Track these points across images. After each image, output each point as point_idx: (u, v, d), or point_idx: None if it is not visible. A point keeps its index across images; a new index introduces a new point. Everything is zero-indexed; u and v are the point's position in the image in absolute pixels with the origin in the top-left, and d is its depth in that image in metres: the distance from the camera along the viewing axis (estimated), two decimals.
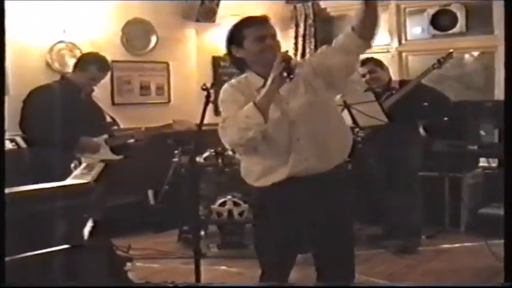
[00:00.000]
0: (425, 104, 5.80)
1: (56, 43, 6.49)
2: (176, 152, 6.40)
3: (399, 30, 7.63)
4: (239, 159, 5.92)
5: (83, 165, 3.65)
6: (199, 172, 5.97)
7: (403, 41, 7.72)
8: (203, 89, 3.83)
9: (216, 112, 6.29)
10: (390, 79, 6.03)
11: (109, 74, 5.77)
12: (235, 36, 3.22)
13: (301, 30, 8.07)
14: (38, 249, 2.66)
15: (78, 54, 6.38)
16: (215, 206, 5.90)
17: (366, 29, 3.06)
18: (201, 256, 4.44)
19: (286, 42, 7.94)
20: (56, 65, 6.46)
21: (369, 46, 3.18)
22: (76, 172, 3.49)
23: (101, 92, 5.62)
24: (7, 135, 5.03)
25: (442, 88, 6.15)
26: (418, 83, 5.78)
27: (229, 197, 5.90)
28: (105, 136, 5.33)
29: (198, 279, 3.93)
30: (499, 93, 7.02)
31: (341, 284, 3.27)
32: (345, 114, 5.59)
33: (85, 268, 2.94)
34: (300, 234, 3.30)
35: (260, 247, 3.40)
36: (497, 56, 7.07)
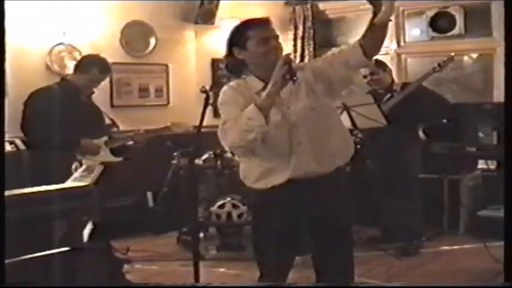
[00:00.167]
0: (426, 107, 5.80)
1: (55, 45, 6.50)
2: (175, 154, 6.40)
3: (398, 33, 7.64)
4: (238, 162, 5.96)
5: (83, 167, 3.65)
6: (198, 174, 5.97)
7: (402, 43, 7.73)
8: (202, 92, 3.83)
9: (215, 114, 6.32)
10: (393, 81, 6.03)
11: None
12: (238, 38, 3.21)
13: (300, 32, 8.08)
14: (37, 252, 2.67)
15: (77, 56, 6.40)
16: (214, 208, 5.90)
17: (372, 46, 3.04)
18: (200, 258, 4.45)
19: (285, 45, 7.93)
20: (56, 67, 6.47)
21: (371, 63, 3.19)
22: (76, 174, 3.50)
23: (100, 94, 5.62)
24: (6, 137, 5.02)
25: (441, 90, 6.17)
26: (418, 86, 5.79)
27: (229, 199, 5.90)
28: (105, 138, 5.33)
29: (197, 281, 3.93)
30: (498, 95, 7.04)
31: (341, 284, 3.27)
32: (344, 116, 5.59)
33: (84, 270, 2.95)
34: (299, 236, 3.30)
35: (258, 249, 3.40)
36: (496, 58, 7.08)
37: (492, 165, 6.35)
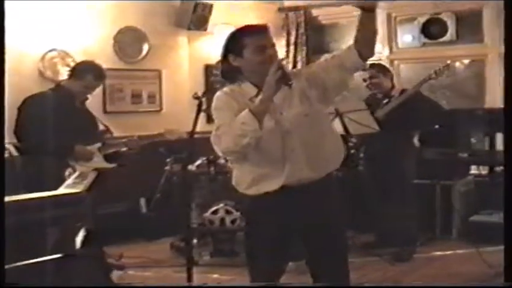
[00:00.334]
0: (422, 113, 5.81)
1: (48, 51, 6.49)
2: (168, 160, 6.40)
3: (390, 39, 7.67)
4: (231, 168, 5.96)
5: (76, 174, 3.65)
6: (192, 180, 5.97)
7: (394, 49, 7.75)
8: (195, 98, 3.83)
9: (208, 120, 6.32)
10: (393, 86, 6.01)
11: None
12: (234, 45, 3.18)
13: (292, 39, 8.10)
14: (30, 259, 2.66)
15: (70, 62, 6.40)
16: (207, 214, 5.90)
17: (366, 46, 3.04)
18: (193, 264, 4.44)
19: (278, 50, 7.95)
20: (48, 73, 6.47)
21: (366, 65, 3.20)
22: (69, 181, 3.49)
23: (93, 100, 5.62)
24: None
25: (435, 96, 6.20)
26: (415, 92, 5.79)
27: (222, 205, 5.90)
28: (99, 144, 5.33)
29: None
30: (490, 101, 7.07)
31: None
32: (337, 122, 5.60)
33: (77, 277, 2.94)
34: (291, 242, 3.31)
35: (251, 255, 3.40)
36: (488, 64, 7.12)
37: (484, 170, 6.38)
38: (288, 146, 3.10)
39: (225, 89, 3.23)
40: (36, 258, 2.71)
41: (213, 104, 3.19)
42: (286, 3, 8.09)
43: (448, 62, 5.87)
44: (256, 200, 3.21)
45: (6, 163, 5.04)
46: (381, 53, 7.69)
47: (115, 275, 5.17)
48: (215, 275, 5.45)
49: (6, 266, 2.50)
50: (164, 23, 7.55)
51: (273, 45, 3.19)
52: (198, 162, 6.08)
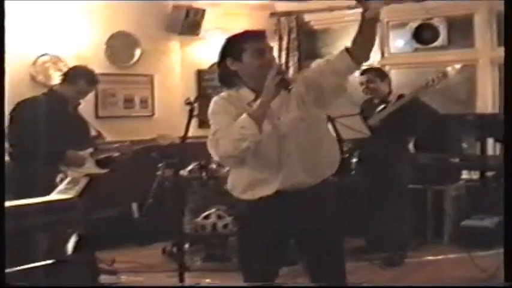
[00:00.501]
0: (419, 120, 5.82)
1: (40, 56, 6.49)
2: (160, 165, 6.40)
3: (382, 44, 7.68)
4: (224, 173, 5.96)
5: (68, 179, 3.64)
6: (184, 185, 5.97)
7: (386, 54, 7.77)
8: (187, 104, 3.84)
9: (200, 125, 6.34)
10: (390, 92, 5.98)
11: None
12: (232, 49, 3.18)
13: (284, 44, 8.10)
14: (21, 265, 2.66)
15: (62, 67, 6.40)
16: (199, 219, 5.90)
17: (361, 51, 3.06)
18: (185, 269, 4.44)
19: None
20: (40, 78, 6.47)
21: (360, 68, 3.20)
22: (60, 187, 3.49)
23: (85, 105, 5.61)
24: None
25: (428, 101, 6.18)
26: (412, 99, 5.78)
27: (214, 210, 5.90)
28: (91, 150, 5.32)
29: None
30: (481, 106, 7.10)
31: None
32: (328, 127, 5.59)
33: (69, 282, 2.94)
34: (285, 247, 3.31)
35: (244, 259, 3.41)
36: (479, 69, 7.15)
37: (475, 175, 6.40)
38: (284, 151, 3.11)
39: (223, 94, 3.24)
40: (28, 264, 2.70)
41: (210, 109, 3.20)
42: (278, 9, 8.09)
43: (447, 70, 5.87)
44: (251, 205, 3.21)
45: None
46: (372, 58, 7.71)
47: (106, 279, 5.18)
48: (207, 280, 5.44)
49: None
50: (156, 28, 7.56)
51: (271, 50, 3.21)
52: (190, 167, 6.08)
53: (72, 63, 6.05)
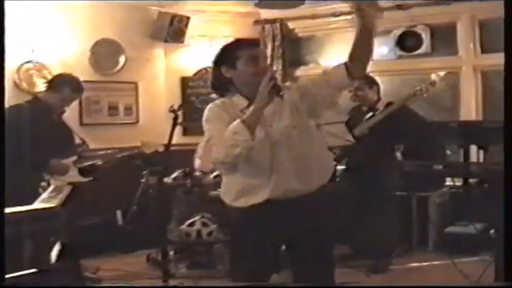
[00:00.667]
0: (407, 128, 5.83)
1: (24, 63, 6.47)
2: (144, 172, 6.38)
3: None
4: (208, 180, 5.96)
5: (51, 188, 3.63)
6: (168, 193, 5.96)
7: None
8: (170, 111, 3.85)
9: (184, 133, 6.34)
10: (378, 99, 5.99)
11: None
12: (227, 56, 3.23)
13: (269, 51, 8.09)
14: (3, 274, 2.64)
15: (46, 74, 6.38)
16: (184, 227, 5.88)
17: (358, 65, 3.08)
18: (169, 276, 4.43)
19: None
20: (24, 85, 6.44)
21: (353, 84, 3.23)
22: (43, 195, 3.48)
23: (69, 112, 5.59)
24: None
25: (414, 109, 6.20)
26: (400, 106, 5.80)
27: (198, 217, 5.89)
28: (74, 158, 5.30)
29: None
30: (465, 113, 7.13)
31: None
32: None
33: None
34: (276, 254, 3.33)
35: (235, 266, 3.42)
36: (462, 77, 7.19)
37: (459, 182, 6.42)
38: (276, 158, 3.12)
39: (217, 101, 3.28)
40: (11, 273, 2.68)
41: (205, 116, 3.23)
42: (263, 16, 8.11)
43: (433, 79, 5.90)
44: (243, 212, 3.23)
45: None
46: None
47: None
48: None
49: None
50: (141, 35, 7.55)
51: (265, 57, 3.25)
52: (174, 174, 6.07)
53: (56, 71, 6.04)
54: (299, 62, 8.20)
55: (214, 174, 5.92)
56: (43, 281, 2.83)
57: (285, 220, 3.15)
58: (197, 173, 5.94)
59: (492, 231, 4.75)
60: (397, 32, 7.30)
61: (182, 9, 7.61)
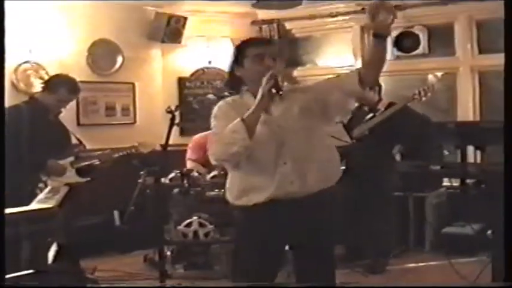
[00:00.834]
0: (409, 129, 5.83)
1: (21, 63, 6.46)
2: (142, 173, 6.37)
3: (363, 52, 7.71)
4: (204, 181, 5.96)
5: (48, 189, 3.63)
6: (165, 193, 5.95)
7: None
8: (168, 112, 3.85)
9: (182, 133, 6.33)
10: (379, 100, 5.98)
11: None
12: (237, 55, 3.27)
13: None
14: (3, 274, 2.64)
15: (43, 74, 6.37)
16: (181, 227, 5.87)
17: (371, 73, 3.10)
18: (167, 277, 4.42)
19: None
20: (22, 86, 6.43)
21: (364, 93, 3.25)
22: (40, 196, 3.47)
23: (66, 113, 5.58)
24: None
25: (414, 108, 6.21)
26: (403, 107, 5.80)
27: (195, 217, 5.88)
28: (71, 158, 5.30)
29: None
30: (462, 114, 7.14)
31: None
32: None
33: None
34: (280, 254, 3.34)
35: (237, 265, 3.42)
36: (459, 77, 7.19)
37: (456, 182, 6.43)
38: (280, 158, 3.12)
39: (228, 99, 3.32)
40: (9, 274, 2.68)
41: (213, 113, 3.27)
42: (260, 16, 8.11)
43: (432, 83, 5.91)
44: (245, 211, 3.24)
45: None
46: (353, 65, 7.74)
47: None
48: None
49: None
50: (138, 35, 7.54)
51: (274, 57, 3.21)
52: (172, 175, 6.06)
53: (53, 71, 6.03)
54: (296, 62, 8.20)
55: (212, 174, 5.93)
56: (41, 282, 2.82)
57: (288, 220, 3.15)
58: (194, 174, 5.93)
59: (489, 231, 4.74)
60: (395, 33, 7.30)
61: (179, 10, 7.61)
